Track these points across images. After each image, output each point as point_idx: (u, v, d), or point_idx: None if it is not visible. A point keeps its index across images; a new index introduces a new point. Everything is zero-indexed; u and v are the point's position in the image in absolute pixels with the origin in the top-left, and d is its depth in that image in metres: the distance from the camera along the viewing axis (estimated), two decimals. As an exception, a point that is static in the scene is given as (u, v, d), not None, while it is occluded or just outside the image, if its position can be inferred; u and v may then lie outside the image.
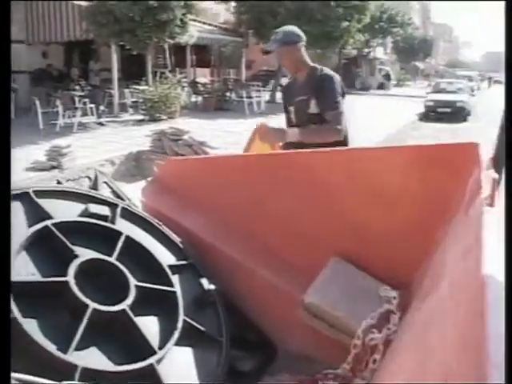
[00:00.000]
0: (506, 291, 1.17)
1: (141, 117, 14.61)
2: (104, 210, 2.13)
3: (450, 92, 23.52)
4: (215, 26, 21.52)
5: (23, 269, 1.73)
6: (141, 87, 14.92)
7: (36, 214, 1.95)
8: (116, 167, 9.31)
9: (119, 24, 12.72)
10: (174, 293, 1.99)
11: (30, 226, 1.89)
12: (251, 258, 2.32)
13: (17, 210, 1.94)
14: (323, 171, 2.16)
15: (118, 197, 2.54)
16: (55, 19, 15.32)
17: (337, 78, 3.43)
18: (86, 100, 12.87)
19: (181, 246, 2.30)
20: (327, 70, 3.48)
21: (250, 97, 18.53)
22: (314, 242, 2.21)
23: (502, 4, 1.78)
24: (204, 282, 2.16)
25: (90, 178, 2.59)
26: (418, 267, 1.92)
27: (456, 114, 21.39)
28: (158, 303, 1.94)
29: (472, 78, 40.45)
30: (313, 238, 2.21)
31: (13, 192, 1.96)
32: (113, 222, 2.12)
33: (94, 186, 2.53)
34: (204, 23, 19.35)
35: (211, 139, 10.00)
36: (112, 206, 2.22)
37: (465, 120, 21.27)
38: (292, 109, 3.54)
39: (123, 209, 2.24)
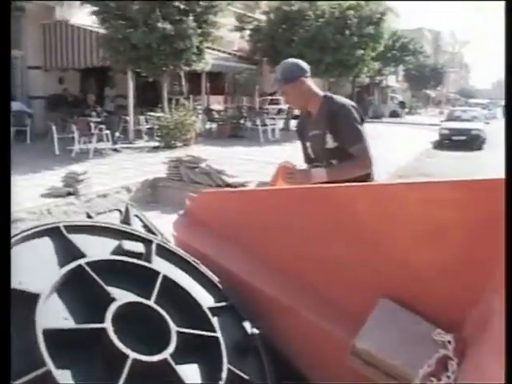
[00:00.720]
0: (506, 291, 1.29)
1: (156, 143, 14.56)
2: (138, 247, 1.99)
3: (465, 120, 23.48)
4: (229, 54, 21.65)
5: (55, 313, 1.59)
6: (156, 114, 14.92)
7: (67, 251, 1.83)
8: (132, 194, 9.22)
9: (136, 51, 12.74)
10: (217, 338, 1.85)
11: (62, 264, 1.76)
12: (293, 299, 2.16)
13: (46, 246, 1.82)
14: (365, 207, 2.04)
15: (150, 231, 2.40)
16: (72, 46, 15.42)
17: (352, 105, 3.18)
18: (102, 126, 12.85)
19: (219, 285, 2.16)
20: (340, 99, 3.23)
21: (264, 124, 18.50)
22: (359, 281, 2.07)
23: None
24: (246, 325, 2.02)
25: (120, 210, 2.47)
26: (471, 306, 1.80)
27: (471, 142, 21.35)
28: (200, 350, 1.80)
29: (485, 107, 40.36)
30: (358, 277, 2.07)
31: (42, 227, 1.84)
32: (148, 261, 1.98)
33: (126, 220, 2.40)
34: (219, 51, 19.43)
35: (228, 167, 9.91)
36: (146, 242, 2.08)
37: (480, 148, 21.16)
38: (308, 144, 3.35)
39: (158, 245, 2.10)
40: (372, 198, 2.05)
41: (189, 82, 20.29)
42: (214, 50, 17.70)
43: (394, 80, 48.69)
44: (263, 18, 21.01)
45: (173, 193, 9.49)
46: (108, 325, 1.56)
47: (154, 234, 2.38)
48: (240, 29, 21.32)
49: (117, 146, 13.42)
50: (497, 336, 1.38)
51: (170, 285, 1.91)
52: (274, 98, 27.61)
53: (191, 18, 12.57)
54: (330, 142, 3.14)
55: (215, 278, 2.17)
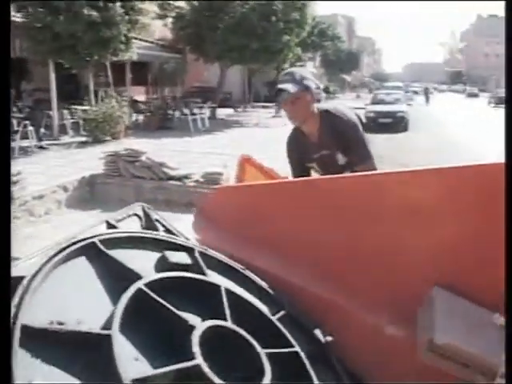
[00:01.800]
0: (506, 290, 1.33)
1: (83, 138, 13.84)
2: (183, 258, 1.69)
3: (389, 103, 23.93)
4: (151, 43, 20.96)
5: (124, 354, 1.21)
6: (82, 107, 14.16)
7: (113, 271, 1.49)
8: (70, 193, 8.63)
9: (58, 41, 11.95)
10: (297, 353, 1.58)
11: (112, 288, 1.43)
12: (345, 298, 1.98)
13: (86, 269, 1.48)
14: (391, 195, 1.92)
15: (173, 235, 2.07)
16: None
17: (355, 118, 3.02)
18: (26, 122, 11.99)
19: (270, 292, 1.88)
20: (341, 112, 3.00)
21: (193, 114, 18.08)
22: (407, 273, 1.92)
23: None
24: (317, 333, 1.80)
25: (138, 215, 2.11)
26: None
27: (397, 124, 21.81)
28: (285, 369, 1.50)
29: (405, 90, 41.58)
30: (406, 269, 1.92)
31: (75, 246, 1.49)
32: (203, 273, 1.68)
33: (149, 226, 2.06)
34: (140, 40, 18.76)
35: (163, 160, 9.49)
36: (189, 250, 1.77)
37: (405, 130, 21.68)
38: (314, 165, 3.12)
39: (200, 253, 1.80)
40: (423, 182, 1.90)
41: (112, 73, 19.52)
42: (136, 38, 17.05)
43: (311, 66, 49.16)
44: (186, 5, 20.46)
45: (112, 189, 9.01)
46: (200, 360, 1.23)
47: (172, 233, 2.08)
48: (162, 16, 20.66)
49: (42, 143, 12.61)
50: None
51: (232, 298, 1.62)
52: (201, 86, 27.20)
53: (118, 4, 11.90)
54: (341, 159, 3.00)
55: (264, 284, 1.91)
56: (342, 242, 2.04)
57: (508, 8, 1.70)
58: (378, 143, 16.65)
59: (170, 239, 1.82)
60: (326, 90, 47.61)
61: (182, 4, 20.75)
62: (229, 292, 1.62)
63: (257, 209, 2.29)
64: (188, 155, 12.02)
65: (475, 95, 66.29)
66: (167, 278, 1.52)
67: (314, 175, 3.15)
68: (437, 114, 32.53)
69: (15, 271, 1.33)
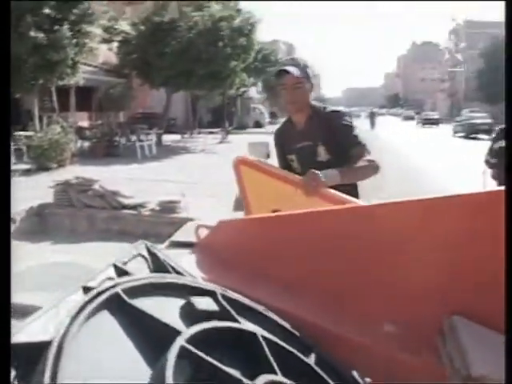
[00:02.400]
0: (506, 291, 1.36)
1: (27, 166, 13.25)
2: (210, 304, 1.52)
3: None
4: (96, 67, 20.54)
5: None
6: (26, 133, 13.59)
7: (143, 324, 1.31)
8: (17, 225, 8.15)
9: (1, 64, 11.41)
10: None
11: (146, 344, 1.27)
12: (362, 334, 1.90)
13: (111, 324, 1.29)
14: (400, 224, 1.90)
15: (177, 272, 1.86)
16: None
17: (344, 111, 3.01)
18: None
19: (295, 332, 1.73)
20: (328, 106, 3.03)
21: (140, 140, 17.71)
22: (422, 302, 1.89)
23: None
24: (355, 374, 1.70)
25: (142, 255, 1.89)
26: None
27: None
28: None
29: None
30: (421, 298, 1.89)
31: (97, 301, 1.29)
32: (234, 319, 1.51)
33: (157, 267, 1.85)
34: (86, 64, 18.32)
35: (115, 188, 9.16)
36: (210, 294, 1.59)
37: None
38: (294, 157, 3.05)
39: (223, 296, 1.62)
40: (405, 214, 1.92)
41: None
42: (82, 63, 16.64)
43: (255, 91, 49.50)
44: (131, 30, 20.15)
45: (63, 220, 8.59)
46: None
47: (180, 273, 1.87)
48: (108, 40, 20.27)
49: (-17, 171, 11.95)
50: None
51: (271, 346, 1.46)
52: (145, 112, 26.81)
53: (66, 27, 11.50)
54: (323, 155, 2.91)
55: (287, 325, 1.75)
56: (349, 272, 1.99)
57: (508, 8, 1.71)
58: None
59: (190, 283, 1.64)
60: (273, 115, 48.32)
61: (128, 28, 20.45)
62: (266, 339, 1.47)
63: (259, 242, 2.21)
64: (139, 183, 11.66)
65: (411, 118, 68.57)
66: (205, 330, 1.36)
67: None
68: (383, 137, 33.17)
69: (24, 336, 1.19)
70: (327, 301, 2.01)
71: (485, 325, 1.86)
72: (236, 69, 20.36)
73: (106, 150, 17.24)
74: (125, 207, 8.62)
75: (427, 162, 18.38)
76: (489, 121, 35.98)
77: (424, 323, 1.86)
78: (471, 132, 33.77)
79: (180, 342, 1.25)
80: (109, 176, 12.02)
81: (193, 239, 6.93)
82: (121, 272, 1.68)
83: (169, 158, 17.56)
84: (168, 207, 8.44)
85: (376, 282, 1.94)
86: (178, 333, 1.30)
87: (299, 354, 1.56)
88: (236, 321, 1.52)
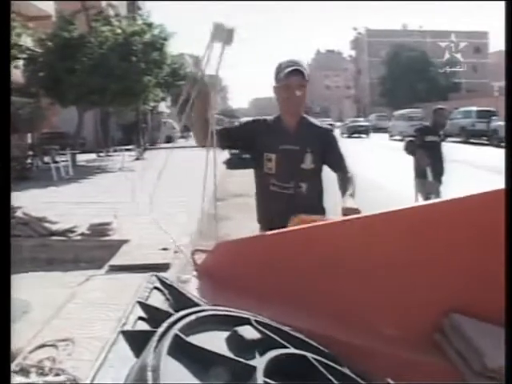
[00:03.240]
0: (506, 291, 1.39)
1: None
2: (253, 332, 1.45)
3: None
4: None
5: None
6: None
7: (213, 362, 1.24)
8: None
9: None
10: None
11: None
12: (367, 339, 1.95)
13: (180, 370, 1.17)
14: (398, 233, 1.99)
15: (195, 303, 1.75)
16: None
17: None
18: None
19: (324, 350, 1.68)
20: (318, 121, 3.13)
21: (56, 161, 17.02)
22: (419, 303, 1.98)
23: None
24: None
25: (157, 288, 1.80)
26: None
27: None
28: None
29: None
30: (418, 300, 1.99)
31: (158, 348, 1.19)
32: (283, 345, 1.46)
33: (175, 299, 1.75)
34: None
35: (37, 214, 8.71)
36: (246, 321, 1.54)
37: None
38: (273, 157, 2.92)
39: (256, 322, 1.57)
40: (397, 223, 2.01)
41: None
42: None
43: (164, 105, 49.04)
44: (37, 45, 19.32)
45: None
46: None
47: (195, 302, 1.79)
48: (13, 58, 19.31)
49: None
50: None
51: (326, 368, 1.45)
52: (52, 131, 25.73)
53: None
54: (308, 163, 2.92)
55: (314, 343, 1.70)
56: (349, 282, 2.04)
57: (508, 8, 1.73)
58: (243, 181, 16.83)
59: (226, 312, 1.57)
60: (187, 128, 47.99)
61: (34, 45, 19.59)
62: (317, 361, 1.46)
63: (261, 261, 2.20)
64: (61, 206, 11.14)
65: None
66: (271, 360, 1.32)
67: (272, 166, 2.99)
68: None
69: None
70: (333, 313, 2.03)
71: (482, 320, 1.96)
72: (149, 84, 20.03)
73: (18, 173, 16.43)
74: (52, 234, 8.17)
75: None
76: (367, 123, 46.83)
77: (423, 323, 1.93)
78: (353, 132, 44.06)
79: (260, 377, 1.20)
80: (27, 201, 11.41)
81: (133, 261, 6.62)
82: (148, 309, 1.56)
83: (87, 179, 16.96)
84: (99, 230, 8.11)
85: (375, 290, 1.99)
86: (251, 367, 1.24)
87: (345, 371, 1.56)
88: (284, 346, 1.48)
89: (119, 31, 18.21)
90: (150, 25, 19.52)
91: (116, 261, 6.77)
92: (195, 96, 2.74)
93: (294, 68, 2.82)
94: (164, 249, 7.19)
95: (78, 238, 8.09)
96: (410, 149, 7.11)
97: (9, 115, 1.46)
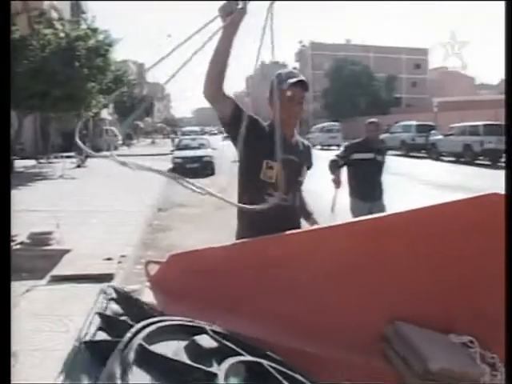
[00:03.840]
0: (506, 290, 1.48)
1: None
2: (210, 341, 1.50)
3: (195, 148, 24.30)
4: None
5: None
6: None
7: (174, 370, 1.28)
8: None
9: None
10: None
11: None
12: (315, 345, 2.08)
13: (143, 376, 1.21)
14: (362, 241, 2.15)
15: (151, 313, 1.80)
16: None
17: None
18: None
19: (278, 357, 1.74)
20: None
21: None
22: (364, 312, 2.14)
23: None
24: None
25: (113, 299, 1.78)
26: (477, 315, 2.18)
27: (204, 168, 22.14)
28: None
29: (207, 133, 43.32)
30: (363, 309, 2.14)
31: (121, 356, 1.21)
32: (237, 353, 1.54)
33: (130, 307, 1.77)
34: None
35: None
36: (201, 330, 1.59)
37: (213, 173, 22.09)
38: (275, 165, 2.65)
39: (212, 331, 1.62)
40: (351, 236, 2.15)
41: None
42: None
43: (106, 112, 48.25)
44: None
45: None
46: None
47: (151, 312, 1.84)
48: None
49: None
50: None
51: (283, 375, 1.52)
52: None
53: None
54: (303, 175, 2.97)
55: (267, 350, 1.77)
56: (296, 292, 2.16)
57: (508, 8, 1.77)
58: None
59: (183, 322, 1.61)
60: (130, 137, 47.34)
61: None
62: (272, 367, 1.53)
63: (213, 272, 2.28)
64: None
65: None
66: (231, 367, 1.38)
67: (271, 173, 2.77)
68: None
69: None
70: (283, 321, 2.14)
71: (424, 327, 2.15)
72: (92, 90, 19.72)
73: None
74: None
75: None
76: None
77: (368, 330, 2.05)
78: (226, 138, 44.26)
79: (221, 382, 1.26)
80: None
81: (76, 272, 6.52)
82: (107, 319, 1.57)
83: (26, 186, 16.52)
84: (40, 239, 7.89)
85: (323, 299, 2.12)
86: (212, 374, 1.29)
87: (298, 377, 1.63)
88: (240, 354, 1.54)
89: (62, 35, 17.84)
90: (94, 30, 19.23)
91: (58, 271, 6.65)
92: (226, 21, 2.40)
93: (298, 79, 2.75)
94: (108, 259, 7.10)
95: (18, 247, 7.86)
96: (332, 168, 6.38)
97: (9, 116, 1.45)
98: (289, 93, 2.75)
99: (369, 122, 6.68)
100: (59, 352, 1.22)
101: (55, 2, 24.61)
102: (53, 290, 5.94)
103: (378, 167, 6.59)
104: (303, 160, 2.95)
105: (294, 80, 2.74)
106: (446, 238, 2.23)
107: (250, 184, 2.81)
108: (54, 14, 22.51)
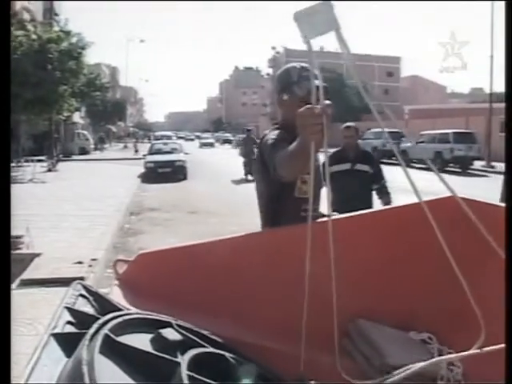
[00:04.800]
0: (506, 291, 1.44)
1: None
2: (175, 334, 1.56)
3: (167, 152, 24.20)
4: None
5: None
6: None
7: (140, 360, 1.33)
8: None
9: None
10: None
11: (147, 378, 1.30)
12: (276, 341, 2.18)
13: (109, 365, 1.25)
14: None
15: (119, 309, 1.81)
16: None
17: None
18: None
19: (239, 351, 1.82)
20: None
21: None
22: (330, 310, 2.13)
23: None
24: None
25: (83, 295, 1.80)
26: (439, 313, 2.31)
27: (177, 172, 22.09)
28: None
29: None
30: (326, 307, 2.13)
31: (91, 348, 1.25)
32: (201, 345, 1.61)
33: (100, 305, 1.79)
34: None
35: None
36: (168, 324, 1.64)
37: (185, 178, 22.05)
38: (307, 178, 2.43)
39: (178, 325, 1.67)
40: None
41: None
42: None
43: (78, 116, 47.79)
44: None
45: None
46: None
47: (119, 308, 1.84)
48: None
49: None
50: None
51: (245, 368, 1.62)
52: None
53: None
54: (322, 185, 2.65)
55: (229, 345, 1.84)
56: (257, 290, 2.24)
57: (508, 8, 1.77)
58: (156, 195, 16.74)
59: (150, 316, 1.67)
60: (102, 141, 46.93)
61: None
62: (234, 359, 1.60)
63: (180, 270, 2.34)
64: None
65: (229, 141, 69.66)
66: (193, 357, 1.45)
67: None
68: (208, 160, 33.93)
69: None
70: (244, 318, 2.23)
71: (386, 324, 2.26)
72: (64, 93, 19.56)
73: None
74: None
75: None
76: (212, 140, 61.99)
77: (331, 328, 2.05)
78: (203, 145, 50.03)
79: (184, 371, 1.31)
80: None
81: (46, 276, 6.51)
82: (76, 314, 1.61)
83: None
84: (9, 242, 7.81)
85: (285, 298, 2.18)
86: (176, 363, 1.34)
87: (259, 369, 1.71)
88: (203, 347, 1.61)
89: (34, 37, 17.68)
90: (67, 33, 19.09)
91: (28, 275, 6.60)
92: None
93: (325, 85, 2.18)
94: (78, 262, 7.07)
95: (-14, 250, 7.77)
96: None
97: (9, 115, 1.47)
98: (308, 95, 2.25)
99: (345, 126, 5.84)
100: (29, 356, 1.24)
101: (27, 4, 24.41)
102: (23, 294, 5.90)
103: (359, 178, 5.64)
104: (319, 160, 2.72)
105: (324, 84, 2.21)
106: (406, 238, 2.34)
107: (282, 201, 2.53)
108: (26, 16, 22.33)
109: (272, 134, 2.53)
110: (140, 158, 25.87)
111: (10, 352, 1.06)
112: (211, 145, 64.13)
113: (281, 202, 2.55)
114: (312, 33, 1.64)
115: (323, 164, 2.54)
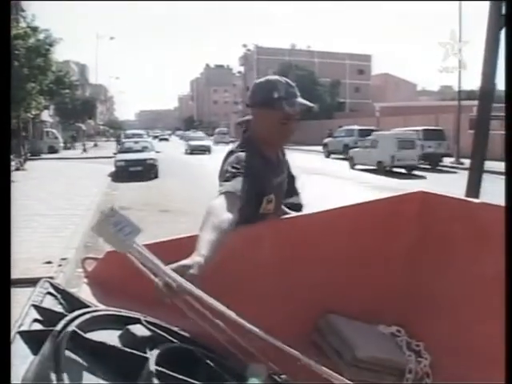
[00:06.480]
0: (506, 291, 1.43)
1: None
2: (144, 330, 1.56)
3: (138, 151, 23.97)
4: None
5: None
6: None
7: (108, 355, 1.33)
8: None
9: None
10: None
11: (116, 373, 1.30)
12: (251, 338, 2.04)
13: (77, 362, 1.24)
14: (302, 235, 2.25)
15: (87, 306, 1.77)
16: None
17: None
18: None
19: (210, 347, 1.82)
20: None
21: None
22: (300, 305, 2.22)
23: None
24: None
25: (50, 293, 1.78)
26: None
27: (148, 171, 21.91)
28: None
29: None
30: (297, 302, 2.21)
31: (54, 342, 1.25)
32: (169, 341, 1.62)
33: (67, 302, 1.76)
34: None
35: None
36: (136, 320, 1.64)
37: (156, 176, 21.90)
38: (273, 197, 2.42)
39: (147, 322, 1.67)
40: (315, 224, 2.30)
41: None
42: None
43: (47, 114, 47.14)
44: None
45: None
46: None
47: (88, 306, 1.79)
48: None
49: None
50: None
51: (215, 361, 1.66)
52: None
53: None
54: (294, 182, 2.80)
55: (199, 341, 1.84)
56: (238, 287, 2.20)
57: (508, 8, 1.63)
58: (126, 194, 16.61)
59: (118, 313, 1.68)
60: (74, 139, 46.34)
61: None
62: (203, 354, 1.61)
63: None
64: None
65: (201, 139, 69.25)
66: (161, 352, 1.44)
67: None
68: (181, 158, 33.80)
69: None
70: (214, 313, 2.14)
71: (355, 319, 2.29)
72: (32, 91, 19.24)
73: None
74: None
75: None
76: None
77: (301, 322, 2.13)
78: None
79: (152, 366, 1.31)
80: None
81: (15, 276, 6.44)
82: (43, 312, 1.58)
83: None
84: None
85: (255, 293, 2.18)
86: (144, 358, 1.35)
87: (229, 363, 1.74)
88: (172, 342, 1.61)
89: None
90: (34, 29, 18.75)
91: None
92: None
93: (312, 106, 2.46)
94: (48, 262, 6.99)
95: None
96: None
97: (9, 116, 1.42)
98: (292, 111, 2.38)
99: (238, 122, 5.01)
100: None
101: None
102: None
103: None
104: (286, 175, 2.64)
105: (303, 101, 2.42)
106: (375, 232, 2.37)
107: (248, 218, 2.33)
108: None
109: (235, 160, 2.33)
110: (110, 157, 25.59)
111: (10, 352, 1.01)
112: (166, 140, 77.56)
113: (244, 217, 2.30)
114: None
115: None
